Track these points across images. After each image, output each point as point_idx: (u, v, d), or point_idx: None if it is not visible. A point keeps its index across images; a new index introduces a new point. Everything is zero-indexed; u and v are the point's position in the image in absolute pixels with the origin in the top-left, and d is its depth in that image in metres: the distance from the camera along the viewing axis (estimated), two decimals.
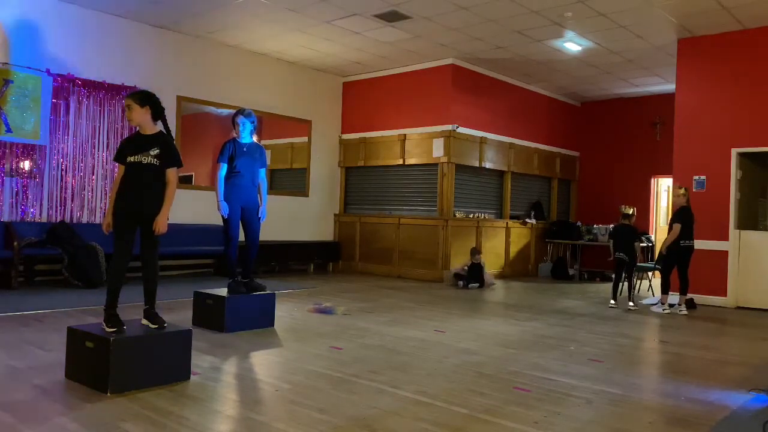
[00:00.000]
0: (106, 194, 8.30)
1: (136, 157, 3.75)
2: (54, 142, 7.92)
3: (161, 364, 3.63)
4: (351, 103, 11.58)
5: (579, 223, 12.03)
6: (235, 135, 5.56)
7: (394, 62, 10.42)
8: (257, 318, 5.47)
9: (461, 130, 10.18)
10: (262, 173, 5.66)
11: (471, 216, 10.53)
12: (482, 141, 10.67)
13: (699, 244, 7.66)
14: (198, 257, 9.45)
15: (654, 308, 7.58)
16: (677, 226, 7.31)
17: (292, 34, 9.08)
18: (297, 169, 11.18)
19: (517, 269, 11.46)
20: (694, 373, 4.45)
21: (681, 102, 8.71)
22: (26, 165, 7.72)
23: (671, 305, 7.50)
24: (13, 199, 7.63)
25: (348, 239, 11.27)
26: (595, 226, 11.68)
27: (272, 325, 5.57)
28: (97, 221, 8.24)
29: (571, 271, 11.52)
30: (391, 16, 8.08)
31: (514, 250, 11.42)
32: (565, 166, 12.85)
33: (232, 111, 6.79)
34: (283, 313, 6.24)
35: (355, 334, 5.38)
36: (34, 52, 7.74)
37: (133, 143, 3.83)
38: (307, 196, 11.09)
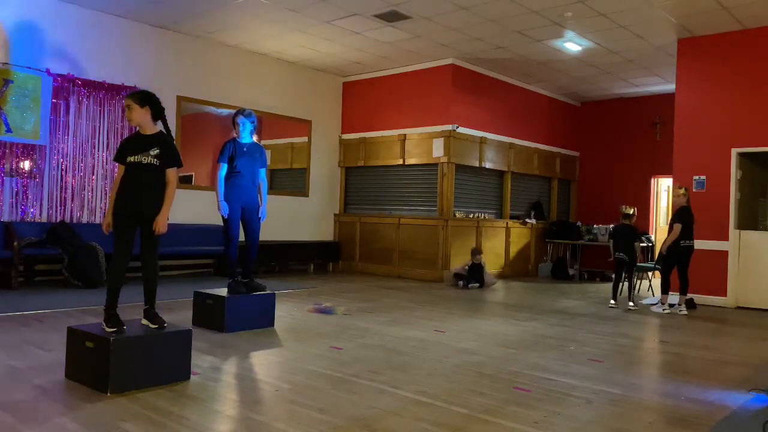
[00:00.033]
0: (106, 194, 8.30)
1: (136, 157, 3.75)
2: (54, 142, 7.92)
3: (161, 364, 3.63)
4: (351, 103, 11.58)
5: (579, 223, 12.03)
6: (235, 135, 5.56)
7: (394, 62, 10.42)
8: (257, 318, 5.47)
9: (461, 130, 10.18)
10: (263, 173, 5.66)
11: (471, 216, 10.53)
12: (482, 141, 10.67)
13: (699, 244, 7.66)
14: (198, 257, 9.45)
15: (654, 308, 7.58)
16: (678, 226, 7.31)
17: (292, 34, 9.08)
18: (297, 169, 11.18)
19: (517, 269, 11.46)
20: (694, 373, 4.45)
21: (681, 102, 8.71)
22: (26, 165, 7.72)
23: (671, 305, 7.50)
24: (13, 199, 7.63)
25: (348, 239, 11.27)
26: (595, 226, 11.68)
27: (272, 325, 5.57)
28: (97, 221, 8.24)
29: (571, 271, 11.52)
30: (391, 16, 8.08)
31: (514, 250, 11.42)
32: (565, 166, 12.85)
33: (232, 111, 6.80)
34: (283, 313, 6.24)
35: (355, 334, 5.38)
36: (34, 52, 7.74)
37: (133, 143, 3.83)
38: (307, 196, 11.09)
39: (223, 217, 5.46)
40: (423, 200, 10.44)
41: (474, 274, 9.30)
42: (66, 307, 6.11)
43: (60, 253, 7.47)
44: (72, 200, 8.09)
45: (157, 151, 3.77)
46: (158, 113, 3.85)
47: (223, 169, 5.45)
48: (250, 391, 3.67)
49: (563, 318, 6.73)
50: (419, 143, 10.43)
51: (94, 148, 8.29)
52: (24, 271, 7.60)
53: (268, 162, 5.88)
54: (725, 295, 8.15)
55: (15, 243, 7.18)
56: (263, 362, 4.38)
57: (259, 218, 5.63)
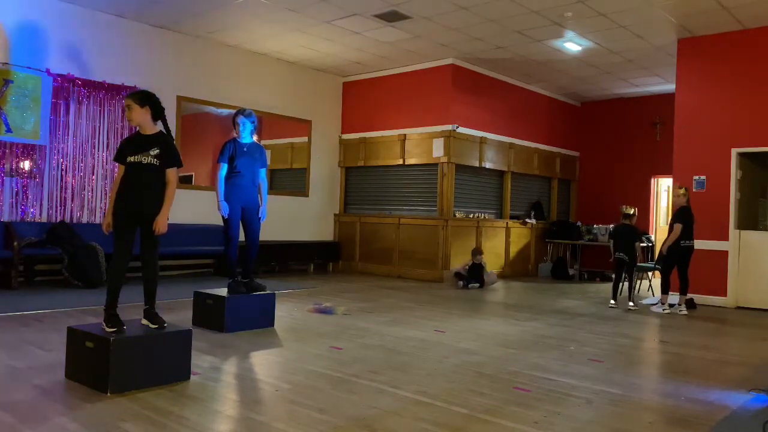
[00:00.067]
0: (106, 194, 8.30)
1: (136, 157, 3.75)
2: (54, 142, 7.92)
3: (161, 364, 3.63)
4: (351, 103, 11.58)
5: (579, 223, 12.03)
6: (235, 135, 5.56)
7: (394, 62, 10.42)
8: (257, 318, 5.47)
9: (461, 130, 10.18)
10: (263, 173, 5.66)
11: (471, 216, 10.53)
12: (482, 141, 10.67)
13: (699, 244, 7.66)
14: (198, 257, 9.45)
15: (654, 308, 7.58)
16: (678, 226, 7.31)
17: (292, 34, 9.08)
18: (297, 169, 11.18)
19: (517, 269, 11.46)
20: (694, 373, 4.45)
21: (681, 102, 8.71)
22: (26, 165, 7.72)
23: (671, 305, 7.50)
24: (13, 199, 7.63)
25: (348, 239, 11.27)
26: (595, 226, 11.68)
27: (272, 325, 5.57)
28: (97, 221, 8.24)
29: (571, 271, 11.52)
30: (391, 16, 8.08)
31: (514, 250, 11.42)
32: (565, 166, 12.85)
33: (232, 111, 6.80)
34: (283, 313, 6.24)
35: (355, 334, 5.38)
36: (34, 52, 7.73)
37: (133, 143, 3.83)
38: (307, 196, 11.09)
39: (223, 217, 5.46)
40: (423, 200, 10.44)
41: (474, 274, 9.30)
42: (66, 307, 6.11)
43: (60, 253, 7.47)
44: (72, 200, 8.09)
45: (157, 151, 3.77)
46: (158, 113, 3.85)
47: (223, 169, 5.45)
48: (250, 391, 3.67)
49: (563, 318, 6.73)
50: (419, 143, 10.43)
51: (94, 148, 8.29)
52: (24, 271, 7.60)
53: (268, 162, 5.88)
54: (725, 295, 8.16)
55: (15, 243, 7.18)
56: (263, 362, 4.38)
57: (259, 218, 5.63)
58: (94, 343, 3.52)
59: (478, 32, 8.65)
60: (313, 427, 3.01)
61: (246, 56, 10.04)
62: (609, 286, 8.65)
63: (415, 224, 10.33)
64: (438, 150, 10.12)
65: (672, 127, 8.94)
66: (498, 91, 11.02)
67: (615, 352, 5.06)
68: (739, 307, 8.07)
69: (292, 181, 11.19)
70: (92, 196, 8.29)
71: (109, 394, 3.39)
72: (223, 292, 5.41)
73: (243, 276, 5.60)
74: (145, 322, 3.80)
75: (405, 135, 10.63)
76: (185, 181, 9.36)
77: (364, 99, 11.35)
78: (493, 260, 10.74)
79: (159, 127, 3.88)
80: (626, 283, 8.10)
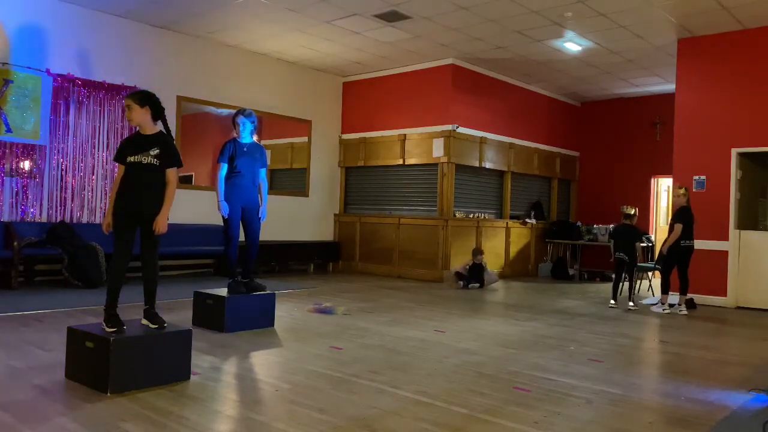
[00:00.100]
0: (106, 194, 8.30)
1: (136, 157, 3.75)
2: (54, 142, 7.92)
3: (161, 364, 3.63)
4: (351, 103, 11.58)
5: (579, 223, 12.03)
6: (235, 135, 5.56)
7: (394, 62, 10.42)
8: (257, 318, 5.47)
9: (461, 130, 10.18)
10: (263, 173, 5.66)
11: (471, 216, 10.53)
12: (482, 141, 10.67)
13: (699, 244, 7.66)
14: (198, 257, 9.45)
15: (654, 308, 7.58)
16: (679, 226, 7.31)
17: (292, 34, 9.08)
18: (297, 169, 11.19)
19: (517, 269, 11.46)
20: (694, 373, 4.45)
21: (681, 102, 8.71)
22: (26, 165, 7.72)
23: (671, 305, 7.50)
24: (13, 199, 7.63)
25: (348, 239, 11.27)
26: (595, 226, 11.68)
27: (272, 325, 5.57)
28: (97, 221, 8.24)
29: (571, 271, 11.52)
30: (391, 16, 8.08)
31: (514, 250, 11.42)
32: (565, 166, 12.85)
33: (232, 111, 6.80)
34: (283, 313, 6.24)
35: (355, 334, 5.38)
36: (34, 52, 7.73)
37: (133, 143, 3.83)
38: (307, 196, 11.09)
39: (223, 217, 5.46)
40: (423, 200, 10.44)
41: (474, 274, 9.30)
42: (66, 307, 6.11)
43: (60, 253, 7.47)
44: (72, 200, 8.09)
45: (157, 151, 3.77)
46: (158, 113, 3.85)
47: (224, 169, 5.45)
48: (250, 391, 3.67)
49: (563, 318, 6.73)
50: (419, 143, 10.43)
51: (94, 148, 8.29)
52: (24, 271, 7.60)
53: (268, 162, 5.89)
54: (725, 295, 8.15)
55: (15, 243, 7.18)
56: (263, 362, 4.38)
57: (260, 218, 5.63)
58: (94, 343, 3.52)
59: (478, 32, 8.65)
60: (313, 427, 3.01)
61: (246, 56, 10.04)
62: (609, 286, 8.65)
63: (415, 224, 10.33)
64: (438, 150, 10.12)
65: (672, 127, 8.94)
66: (498, 91, 11.02)
67: (615, 352, 5.06)
68: (739, 307, 8.07)
69: (292, 181, 11.19)
70: (92, 196, 8.29)
71: (109, 394, 3.39)
72: (223, 292, 5.41)
73: (243, 276, 5.60)
74: (145, 322, 3.80)
75: (405, 135, 10.63)
76: (185, 181, 9.36)
77: (364, 99, 11.35)
78: (493, 260, 10.73)
79: (159, 127, 3.89)
80: (626, 283, 8.10)
